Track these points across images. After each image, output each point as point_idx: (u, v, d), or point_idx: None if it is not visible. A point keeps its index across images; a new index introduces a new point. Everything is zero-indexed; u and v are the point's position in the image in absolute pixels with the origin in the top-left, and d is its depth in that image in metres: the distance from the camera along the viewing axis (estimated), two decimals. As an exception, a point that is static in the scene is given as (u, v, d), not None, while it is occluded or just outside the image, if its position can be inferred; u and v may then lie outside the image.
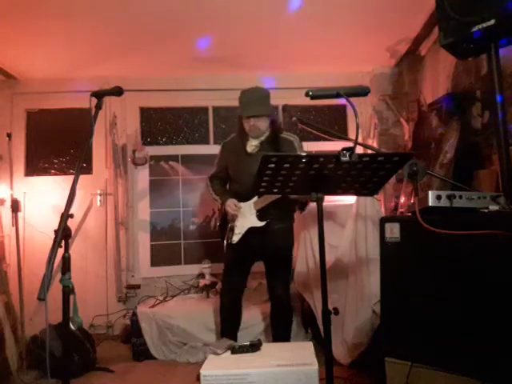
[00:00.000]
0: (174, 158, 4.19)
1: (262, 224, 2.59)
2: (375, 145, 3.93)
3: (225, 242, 2.74)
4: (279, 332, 2.76)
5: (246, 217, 2.64)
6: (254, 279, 3.92)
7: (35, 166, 4.11)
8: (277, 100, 4.18)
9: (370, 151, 2.58)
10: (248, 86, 4.37)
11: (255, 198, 2.62)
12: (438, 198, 1.65)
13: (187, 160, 4.19)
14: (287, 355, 1.87)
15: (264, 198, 2.55)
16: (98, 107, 1.73)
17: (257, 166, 2.49)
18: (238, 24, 3.13)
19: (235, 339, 2.69)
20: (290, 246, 2.76)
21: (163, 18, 3.01)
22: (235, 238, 2.65)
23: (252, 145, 2.68)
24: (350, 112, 4.29)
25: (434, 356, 1.65)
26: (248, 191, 2.57)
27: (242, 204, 2.65)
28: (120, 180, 4.00)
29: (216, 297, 3.67)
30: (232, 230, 2.70)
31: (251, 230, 2.61)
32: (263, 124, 2.63)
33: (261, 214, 2.60)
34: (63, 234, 1.46)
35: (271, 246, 2.64)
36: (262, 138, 2.67)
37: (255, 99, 2.60)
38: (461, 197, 1.66)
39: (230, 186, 2.83)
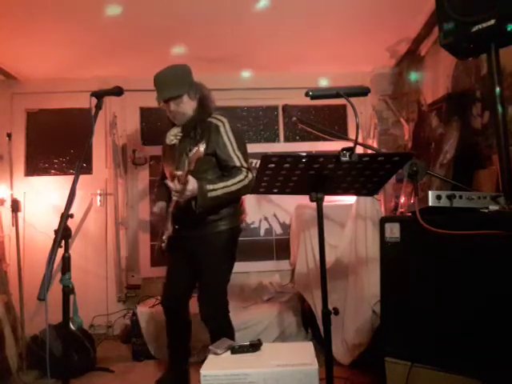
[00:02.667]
0: (174, 157, 4.19)
1: (170, 230, 2.23)
2: (375, 145, 3.93)
3: (156, 246, 2.37)
4: None
5: (168, 221, 2.30)
6: (254, 279, 3.93)
7: (35, 166, 4.10)
8: (277, 100, 4.24)
9: (370, 151, 2.58)
10: (248, 86, 4.36)
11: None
12: (438, 197, 1.65)
13: (187, 160, 4.19)
14: (287, 355, 1.87)
15: (173, 199, 2.19)
16: (98, 107, 1.73)
17: (178, 159, 2.20)
18: (238, 24, 3.13)
19: (182, 356, 2.48)
20: (217, 256, 2.26)
21: (163, 18, 3.00)
22: (163, 244, 2.30)
23: (171, 134, 2.32)
24: (350, 112, 4.29)
25: (434, 356, 1.65)
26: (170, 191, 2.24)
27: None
28: (120, 180, 4.00)
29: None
30: (163, 233, 2.34)
31: (172, 236, 2.26)
32: (187, 106, 2.23)
33: (173, 219, 2.23)
34: (63, 234, 1.46)
35: (195, 254, 2.28)
36: (183, 125, 2.27)
37: (169, 79, 2.21)
38: (461, 197, 1.66)
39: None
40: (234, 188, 2.14)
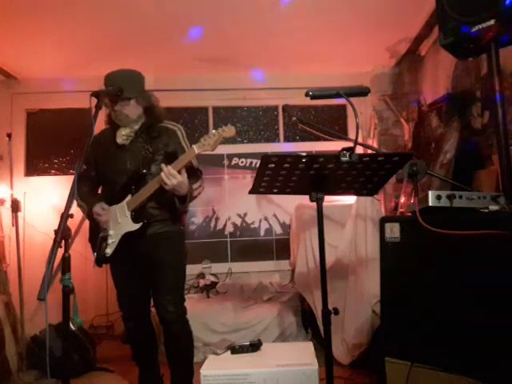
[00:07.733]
0: (174, 157, 4.19)
1: (137, 227, 2.13)
2: (375, 145, 3.93)
3: (94, 255, 2.22)
4: (175, 366, 2.32)
5: (119, 221, 2.16)
6: (254, 279, 3.93)
7: (35, 166, 4.11)
8: (277, 100, 4.25)
9: (370, 151, 2.58)
10: (247, 86, 4.35)
11: (128, 197, 2.17)
12: (438, 197, 1.65)
13: (187, 160, 4.19)
14: (287, 355, 1.88)
15: (138, 195, 2.14)
16: (98, 107, 1.74)
17: (132, 158, 2.21)
18: (238, 24, 3.13)
19: (152, 366, 2.43)
20: (177, 253, 2.28)
21: (163, 18, 3.01)
22: (109, 250, 2.15)
23: (123, 134, 2.26)
24: (350, 112, 4.29)
25: (434, 356, 1.65)
26: (120, 191, 2.19)
27: (113, 207, 2.19)
28: (120, 180, 3.99)
29: (216, 296, 3.67)
30: (104, 239, 2.18)
31: (128, 237, 2.15)
32: (132, 110, 2.21)
33: (136, 215, 2.14)
34: (63, 234, 1.46)
35: (153, 254, 2.19)
36: (136, 127, 2.25)
37: (121, 80, 2.20)
38: (461, 197, 1.66)
39: (101, 189, 2.35)
40: (201, 190, 2.24)
